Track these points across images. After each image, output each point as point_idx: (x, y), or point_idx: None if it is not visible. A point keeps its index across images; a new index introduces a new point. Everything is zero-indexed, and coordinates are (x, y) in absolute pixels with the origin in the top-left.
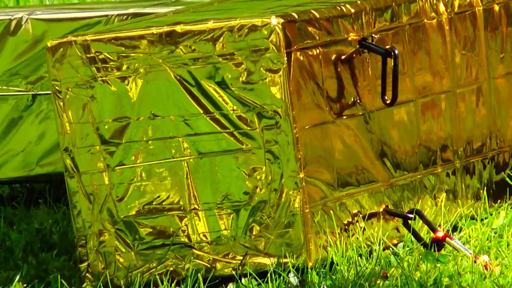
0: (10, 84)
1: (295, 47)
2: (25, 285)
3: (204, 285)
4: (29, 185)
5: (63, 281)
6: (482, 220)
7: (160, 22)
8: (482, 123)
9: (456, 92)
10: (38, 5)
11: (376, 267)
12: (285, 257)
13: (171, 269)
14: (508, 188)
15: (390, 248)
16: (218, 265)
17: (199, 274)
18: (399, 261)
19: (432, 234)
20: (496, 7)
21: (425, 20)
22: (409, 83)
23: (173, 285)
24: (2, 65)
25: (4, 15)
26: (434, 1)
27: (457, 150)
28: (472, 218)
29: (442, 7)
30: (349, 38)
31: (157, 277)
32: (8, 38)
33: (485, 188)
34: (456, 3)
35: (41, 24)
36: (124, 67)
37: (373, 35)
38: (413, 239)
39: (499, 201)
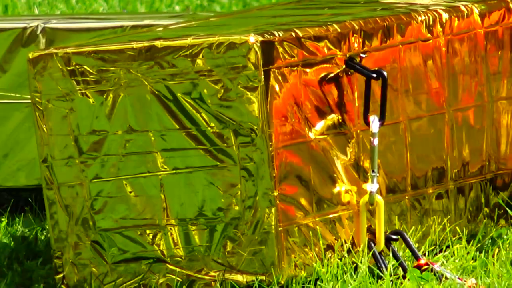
0: (23, 92)
1: (274, 65)
2: None
3: None
4: (15, 193)
5: None
6: (468, 240)
7: (142, 36)
8: (479, 145)
9: (451, 114)
10: (53, 14)
11: (361, 284)
12: (258, 274)
13: (145, 282)
14: (502, 211)
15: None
16: (191, 281)
17: None
18: (383, 277)
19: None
20: (500, 30)
21: (420, 42)
22: (402, 103)
23: None
24: (15, 73)
25: (20, 23)
26: (431, 23)
27: (452, 171)
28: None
29: (439, 28)
30: (334, 58)
31: None
32: (19, 47)
33: (480, 210)
34: (455, 25)
35: (56, 33)
36: (104, 81)
37: (361, 55)
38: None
39: (492, 223)
